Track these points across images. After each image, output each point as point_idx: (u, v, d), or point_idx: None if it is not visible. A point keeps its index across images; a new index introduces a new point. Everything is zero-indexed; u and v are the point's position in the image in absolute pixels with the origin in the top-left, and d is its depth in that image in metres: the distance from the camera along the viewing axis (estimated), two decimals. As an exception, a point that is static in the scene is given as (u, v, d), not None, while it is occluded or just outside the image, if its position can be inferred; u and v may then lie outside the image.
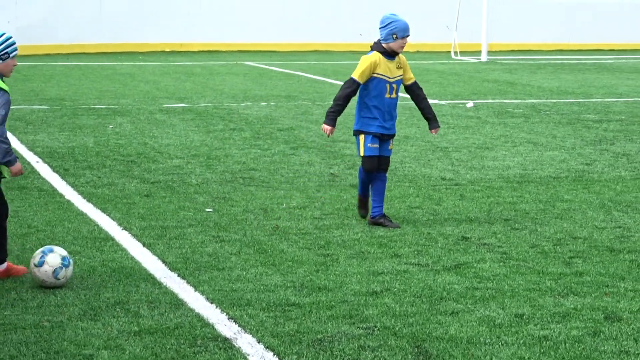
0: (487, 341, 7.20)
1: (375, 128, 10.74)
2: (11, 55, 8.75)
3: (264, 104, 21.60)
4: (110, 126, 17.88)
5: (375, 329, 7.43)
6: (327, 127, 10.76)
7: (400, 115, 20.40)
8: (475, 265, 9.20)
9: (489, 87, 25.87)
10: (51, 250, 8.41)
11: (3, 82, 8.66)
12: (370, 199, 10.96)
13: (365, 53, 10.79)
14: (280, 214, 11.22)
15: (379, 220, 10.70)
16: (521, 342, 7.18)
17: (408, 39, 10.74)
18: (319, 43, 38.51)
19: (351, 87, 10.68)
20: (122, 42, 36.67)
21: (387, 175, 10.98)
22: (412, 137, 16.76)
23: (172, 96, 22.87)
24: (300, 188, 12.64)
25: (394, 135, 10.96)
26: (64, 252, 8.46)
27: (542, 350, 7.01)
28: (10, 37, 8.81)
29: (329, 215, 11.18)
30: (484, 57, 35.09)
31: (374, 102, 10.72)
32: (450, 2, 39.03)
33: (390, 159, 11.07)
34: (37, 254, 8.38)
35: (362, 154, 10.82)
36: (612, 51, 40.73)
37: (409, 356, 6.90)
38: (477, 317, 7.72)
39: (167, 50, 37.15)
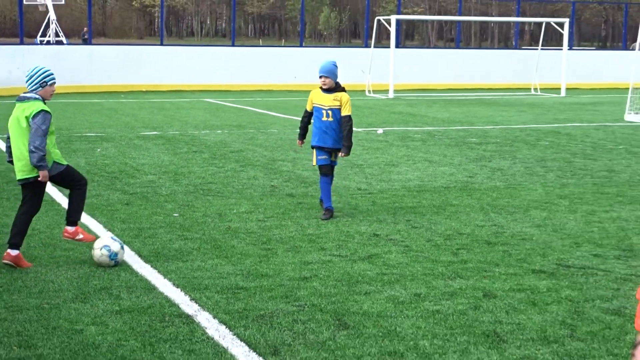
0: (392, 315, 7.22)
1: (314, 142, 11.28)
2: (49, 83, 8.84)
3: (219, 131, 21.52)
4: (98, 149, 17.72)
5: (306, 306, 7.43)
6: (298, 142, 11.74)
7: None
8: (383, 256, 9.23)
9: (395, 118, 25.96)
10: (116, 254, 8.70)
11: (45, 104, 8.75)
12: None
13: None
14: (232, 217, 11.18)
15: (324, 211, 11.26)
16: (419, 315, 7.22)
17: (323, 78, 11.10)
18: (263, 84, 38.47)
19: (304, 115, 11.51)
20: (108, 83, 36.38)
21: (315, 183, 10.98)
22: (335, 157, 16.80)
23: (147, 126, 22.71)
24: (248, 197, 12.60)
25: (333, 149, 11.22)
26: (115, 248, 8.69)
27: (435, 321, 7.05)
28: (47, 70, 8.91)
29: (270, 218, 11.16)
30: (391, 95, 35.22)
31: (315, 123, 11.28)
32: (364, 52, 39.20)
33: (318, 174, 11.18)
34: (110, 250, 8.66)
35: (314, 163, 11.45)
36: (490, 89, 41.06)
37: (332, 327, 6.90)
38: (385, 296, 7.74)
39: (144, 90, 36.90)
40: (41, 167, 8.59)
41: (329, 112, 11.10)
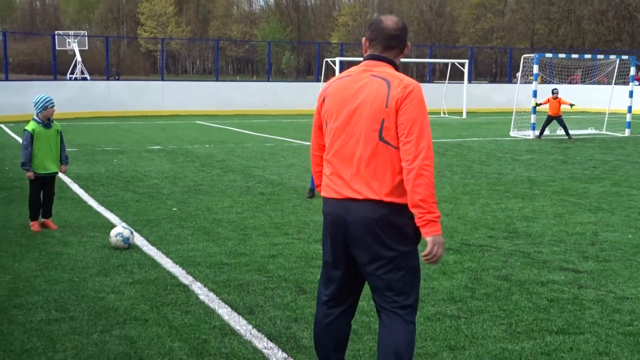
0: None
1: None
2: (49, 107, 9.23)
3: (207, 146, 21.43)
4: (115, 160, 17.57)
5: (274, 277, 7.43)
6: None
7: (283, 150, 20.39)
8: (332, 238, 9.24)
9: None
10: (128, 239, 8.54)
11: (38, 124, 9.28)
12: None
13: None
14: (217, 210, 11.14)
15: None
16: (359, 282, 7.23)
17: None
18: (240, 109, 38.36)
19: None
20: (122, 110, 36.09)
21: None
22: (295, 165, 16.80)
23: (152, 142, 22.55)
24: (229, 195, 12.57)
25: None
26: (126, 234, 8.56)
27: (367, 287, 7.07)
28: (46, 97, 9.26)
29: (246, 211, 11.14)
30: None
31: None
32: (316, 85, 39.17)
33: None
34: (124, 236, 8.52)
35: None
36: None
37: (294, 292, 6.91)
38: (333, 269, 7.76)
39: (149, 114, 36.62)
40: (24, 169, 9.31)
41: None
